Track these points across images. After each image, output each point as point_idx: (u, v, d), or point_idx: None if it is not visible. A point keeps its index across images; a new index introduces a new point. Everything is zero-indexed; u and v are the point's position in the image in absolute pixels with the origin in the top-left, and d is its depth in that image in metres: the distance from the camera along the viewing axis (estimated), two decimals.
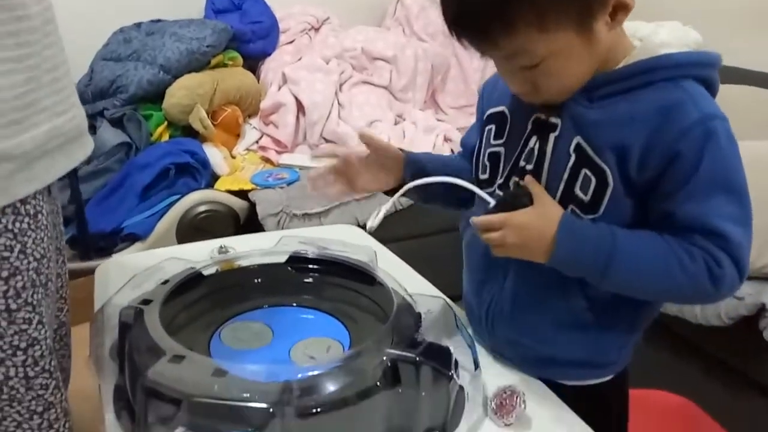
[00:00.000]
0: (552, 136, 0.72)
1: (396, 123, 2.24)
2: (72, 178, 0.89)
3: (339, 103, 2.18)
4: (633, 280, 0.69)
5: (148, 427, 0.62)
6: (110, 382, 0.76)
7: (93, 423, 0.85)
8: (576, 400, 0.76)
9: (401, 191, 0.82)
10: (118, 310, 0.79)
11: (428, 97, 2.42)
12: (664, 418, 1.28)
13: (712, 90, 0.70)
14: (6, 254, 0.66)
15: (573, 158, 0.70)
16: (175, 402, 0.61)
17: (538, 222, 0.70)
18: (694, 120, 0.65)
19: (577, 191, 0.71)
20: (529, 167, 0.74)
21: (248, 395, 0.62)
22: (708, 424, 1.26)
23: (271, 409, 0.61)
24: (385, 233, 1.24)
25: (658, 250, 0.68)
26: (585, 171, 0.69)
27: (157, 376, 0.64)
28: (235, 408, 0.61)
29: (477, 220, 0.72)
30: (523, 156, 0.75)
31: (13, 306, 0.68)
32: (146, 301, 0.79)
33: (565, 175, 0.71)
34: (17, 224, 0.67)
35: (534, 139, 0.74)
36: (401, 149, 0.88)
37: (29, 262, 0.69)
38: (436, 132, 2.20)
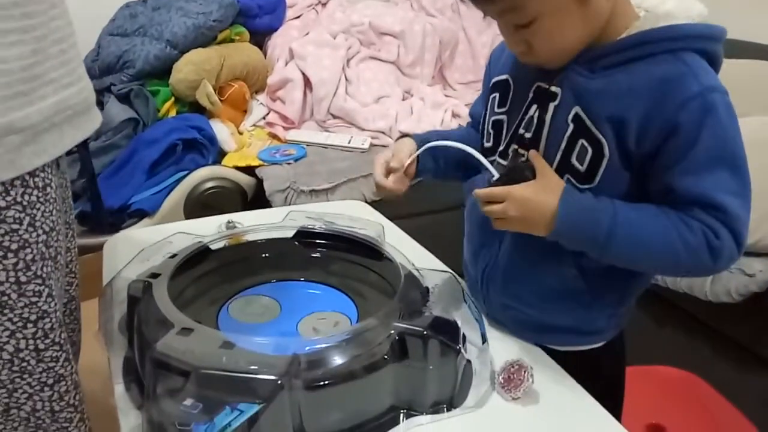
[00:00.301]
0: (552, 106, 0.72)
1: (404, 99, 2.22)
2: (83, 152, 0.88)
3: (346, 79, 2.16)
4: (634, 253, 0.69)
5: (157, 399, 0.62)
6: (119, 355, 0.77)
7: (103, 396, 0.86)
8: (566, 364, 0.78)
9: (410, 159, 0.85)
10: (127, 283, 0.79)
11: (436, 72, 2.39)
12: (667, 391, 1.29)
13: (715, 64, 0.69)
14: (15, 227, 0.66)
15: (571, 128, 0.70)
16: (184, 374, 0.62)
17: (539, 196, 0.70)
18: (693, 93, 0.65)
19: (574, 161, 0.71)
20: (528, 135, 0.75)
21: (256, 367, 0.62)
22: (711, 396, 1.26)
23: (279, 381, 0.61)
24: (392, 210, 1.24)
25: (659, 223, 0.67)
26: (582, 141, 0.70)
27: (165, 348, 0.64)
28: (243, 380, 0.61)
29: (480, 192, 0.72)
30: (523, 124, 0.75)
31: (23, 278, 0.68)
32: (154, 275, 0.79)
33: (563, 145, 0.71)
34: (26, 197, 0.67)
35: (534, 107, 0.74)
36: (406, 135, 0.90)
37: (38, 235, 0.69)
38: (444, 108, 2.18)
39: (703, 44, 0.68)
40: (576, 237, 0.70)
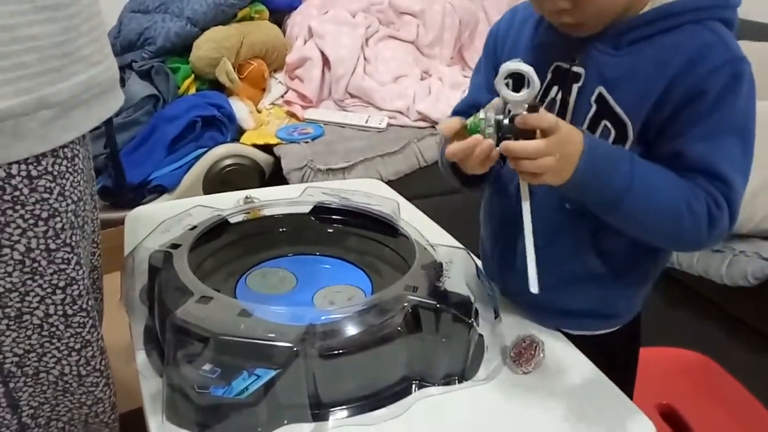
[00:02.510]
0: (575, 87, 0.70)
1: (422, 79, 2.21)
2: (108, 127, 0.90)
3: (365, 58, 2.16)
4: (644, 206, 0.66)
5: (177, 364, 0.64)
6: (140, 323, 0.79)
7: (121, 367, 0.89)
8: (582, 349, 0.77)
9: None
10: (148, 253, 0.81)
11: (455, 53, 2.38)
12: (680, 373, 1.29)
13: (733, 31, 0.69)
14: (46, 195, 0.68)
15: (594, 108, 0.69)
16: (203, 340, 0.64)
17: (568, 138, 0.63)
18: (725, 60, 0.65)
19: None
20: None
21: (273, 335, 0.64)
22: (723, 379, 1.26)
23: (294, 349, 0.63)
24: (408, 190, 1.25)
25: (670, 181, 0.66)
26: (605, 122, 0.69)
27: (185, 315, 0.66)
28: (260, 346, 0.63)
29: (532, 118, 0.62)
30: (544, 106, 0.71)
31: (53, 246, 0.70)
32: (175, 246, 0.81)
33: (585, 126, 0.70)
34: (56, 167, 0.69)
35: (555, 89, 0.72)
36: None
37: (68, 204, 0.71)
38: (463, 88, 2.18)
39: (725, 13, 0.68)
40: (596, 180, 0.65)
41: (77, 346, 0.75)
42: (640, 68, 0.67)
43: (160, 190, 1.80)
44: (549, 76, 0.73)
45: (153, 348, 0.75)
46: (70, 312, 0.73)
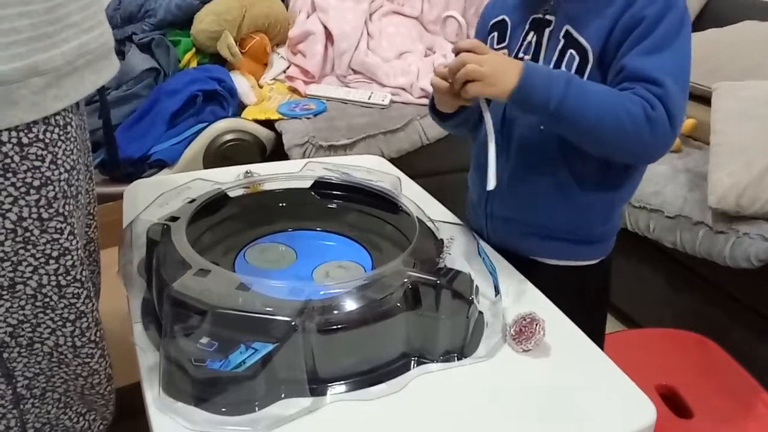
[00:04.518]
0: (547, 31, 0.85)
1: (426, 55, 2.19)
2: (102, 96, 0.89)
3: (368, 33, 2.13)
4: (584, 113, 0.77)
5: (174, 337, 0.64)
6: (138, 297, 0.79)
7: (119, 341, 0.88)
8: (559, 280, 0.89)
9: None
10: (146, 226, 0.81)
11: (460, 29, 2.35)
12: (680, 354, 1.29)
13: None
14: (37, 163, 0.67)
15: (562, 42, 0.83)
16: (200, 313, 0.63)
17: (508, 59, 0.81)
18: None
19: (563, 68, 0.83)
20: (527, 57, 0.86)
21: (271, 309, 0.63)
22: (724, 360, 1.26)
23: (293, 323, 0.62)
24: (410, 168, 1.24)
25: (606, 91, 0.78)
26: (571, 51, 0.82)
27: (182, 288, 0.66)
28: (257, 320, 0.62)
29: (462, 43, 0.80)
30: (522, 48, 0.87)
31: (45, 215, 0.69)
32: (173, 218, 0.81)
33: (554, 57, 0.84)
34: (48, 134, 0.68)
35: (531, 34, 0.87)
36: None
37: (60, 173, 0.70)
38: None
39: None
40: (536, 92, 0.77)
41: (72, 317, 0.74)
42: (598, 6, 0.81)
43: (160, 165, 1.79)
44: (527, 26, 0.87)
45: (151, 321, 0.75)
46: (63, 282, 0.72)
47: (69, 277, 0.73)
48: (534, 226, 0.91)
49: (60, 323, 0.74)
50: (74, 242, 0.72)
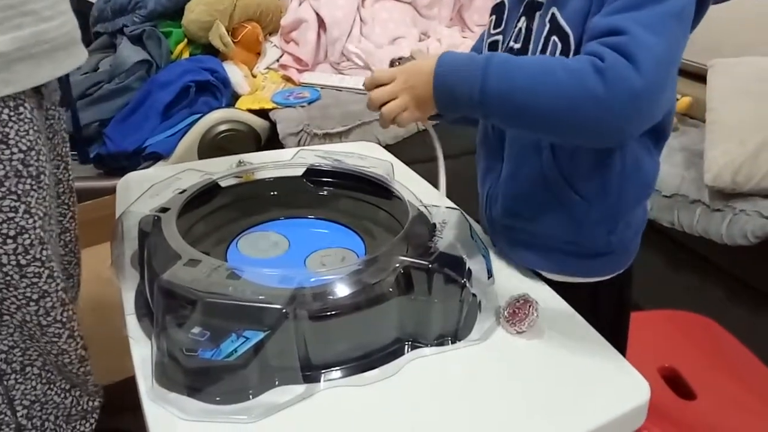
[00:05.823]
0: (537, 15, 0.77)
1: (420, 40, 2.17)
2: (64, 83, 0.89)
3: (361, 20, 2.12)
4: (514, 86, 0.66)
5: (165, 328, 0.63)
6: (131, 289, 0.79)
7: (105, 335, 0.88)
8: (567, 299, 0.78)
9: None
10: (138, 218, 0.80)
11: (454, 13, 2.33)
12: (681, 335, 1.29)
13: None
14: None
15: (547, 27, 0.75)
16: (191, 303, 0.63)
17: (418, 64, 0.75)
18: None
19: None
20: (517, 46, 0.78)
21: (262, 297, 0.63)
22: (725, 339, 1.26)
23: (284, 310, 0.62)
24: (405, 154, 1.23)
25: (537, 57, 0.73)
26: (554, 38, 0.73)
27: (172, 278, 0.65)
28: (248, 308, 0.62)
29: (367, 79, 0.76)
30: (513, 36, 0.79)
31: None
32: (164, 209, 0.80)
33: (540, 44, 0.75)
34: None
35: (522, 19, 0.79)
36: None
37: (12, 153, 0.70)
38: (461, 49, 2.11)
39: None
40: (455, 90, 0.69)
41: (35, 296, 0.75)
42: None
43: (155, 158, 1.78)
44: (521, 10, 0.79)
45: (144, 313, 0.75)
46: (23, 262, 0.73)
47: (28, 257, 0.73)
48: (534, 235, 0.82)
49: (24, 301, 0.74)
50: (31, 221, 0.72)
